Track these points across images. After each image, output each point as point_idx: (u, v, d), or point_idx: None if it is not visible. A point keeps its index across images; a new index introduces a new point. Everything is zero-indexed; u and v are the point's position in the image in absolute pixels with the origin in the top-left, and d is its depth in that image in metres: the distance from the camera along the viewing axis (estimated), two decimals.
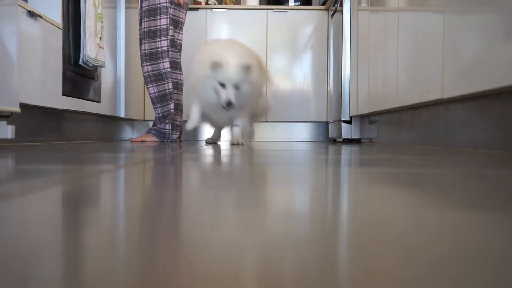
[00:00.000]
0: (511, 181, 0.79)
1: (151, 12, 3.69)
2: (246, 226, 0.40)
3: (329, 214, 0.46)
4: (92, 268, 0.28)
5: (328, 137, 5.08)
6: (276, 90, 5.01)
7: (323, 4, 5.16)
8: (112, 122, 4.29)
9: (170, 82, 3.75)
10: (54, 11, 2.87)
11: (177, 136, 3.89)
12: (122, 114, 4.18)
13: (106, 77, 3.80)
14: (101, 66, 3.40)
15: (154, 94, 3.73)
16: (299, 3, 5.13)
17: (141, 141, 3.64)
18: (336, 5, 4.38)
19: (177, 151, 1.93)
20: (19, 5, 2.29)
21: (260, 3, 5.29)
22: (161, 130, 3.81)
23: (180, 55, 3.84)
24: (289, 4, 5.11)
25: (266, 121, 5.10)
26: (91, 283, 0.25)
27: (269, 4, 5.19)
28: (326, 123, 5.11)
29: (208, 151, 1.96)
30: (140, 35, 3.78)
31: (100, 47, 3.34)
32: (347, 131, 4.07)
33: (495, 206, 0.51)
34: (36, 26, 2.54)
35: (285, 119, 5.07)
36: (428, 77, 2.30)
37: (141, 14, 3.76)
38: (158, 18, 3.68)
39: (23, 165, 1.03)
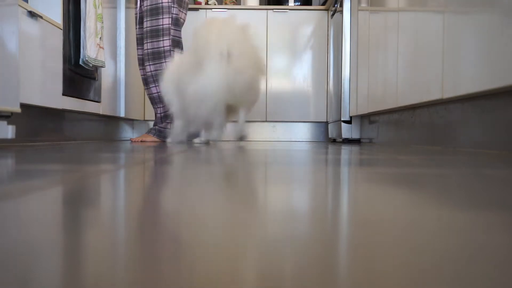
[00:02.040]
0: (510, 181, 0.79)
1: (154, 12, 3.68)
2: (246, 226, 0.40)
3: (329, 214, 0.46)
4: (92, 269, 0.28)
5: (328, 137, 5.08)
6: (276, 90, 5.02)
7: (323, 4, 5.16)
8: (112, 122, 4.29)
9: None
10: (54, 11, 2.87)
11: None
12: (122, 114, 4.19)
13: (106, 77, 3.80)
14: (101, 66, 3.40)
15: (156, 94, 3.73)
16: (299, 3, 5.13)
17: (141, 141, 3.64)
18: (336, 5, 4.38)
19: (176, 151, 1.93)
20: (19, 5, 2.29)
21: (260, 3, 5.29)
22: (162, 129, 3.81)
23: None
24: (289, 4, 5.11)
25: (266, 121, 5.11)
26: (91, 284, 0.25)
27: (269, 4, 5.19)
28: (326, 123, 5.11)
29: (208, 150, 1.96)
30: (138, 35, 3.77)
31: (100, 47, 3.34)
32: (347, 131, 4.07)
33: (495, 206, 0.51)
34: (36, 26, 2.54)
35: (285, 119, 5.07)
36: (428, 77, 2.30)
37: (141, 13, 3.75)
38: (161, 17, 3.68)
39: (23, 165, 1.03)
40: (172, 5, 3.70)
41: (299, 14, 5.03)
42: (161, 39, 3.70)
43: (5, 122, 1.95)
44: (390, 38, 2.99)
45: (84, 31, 3.13)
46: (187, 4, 3.92)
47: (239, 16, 5.01)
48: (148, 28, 3.71)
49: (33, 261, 0.29)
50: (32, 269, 0.27)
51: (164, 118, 3.78)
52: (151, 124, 5.04)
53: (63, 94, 2.95)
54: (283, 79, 5.05)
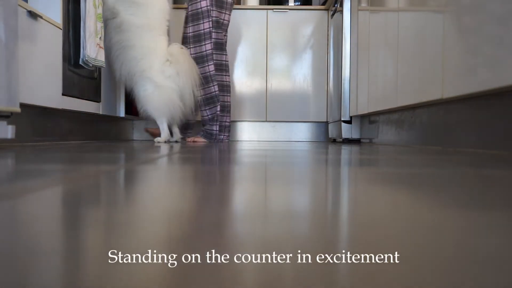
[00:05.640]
0: (510, 181, 0.79)
1: (195, 17, 3.86)
2: (246, 226, 0.40)
3: (329, 214, 0.46)
4: (92, 269, 0.28)
5: (328, 137, 5.08)
6: (276, 90, 5.03)
7: (323, 4, 5.16)
8: (112, 122, 4.29)
9: (216, 85, 3.94)
10: (54, 11, 2.87)
11: (225, 136, 4.05)
12: (122, 114, 4.19)
13: (106, 77, 3.80)
14: (101, 66, 3.40)
15: (201, 97, 3.91)
16: (299, 3, 5.13)
17: (193, 141, 3.86)
18: (336, 5, 4.38)
19: (175, 151, 1.93)
20: (19, 5, 2.29)
21: (260, 3, 5.29)
22: (209, 131, 4.00)
23: (225, 56, 3.98)
24: (289, 4, 5.11)
25: (266, 121, 5.11)
26: (91, 284, 0.25)
27: (269, 4, 5.19)
28: (326, 123, 5.11)
29: (211, 150, 1.96)
30: (183, 38, 3.99)
31: (100, 47, 3.34)
32: (347, 131, 4.07)
33: (495, 206, 0.51)
34: (36, 26, 2.54)
35: (285, 119, 5.07)
36: (428, 77, 2.30)
37: (186, 15, 3.97)
38: (201, 22, 3.86)
39: (23, 165, 1.03)
40: (211, 8, 3.84)
41: (299, 14, 5.03)
42: (203, 43, 3.88)
43: (5, 122, 1.95)
44: (390, 38, 2.99)
45: (84, 31, 3.13)
46: (231, 4, 3.99)
47: (239, 16, 5.01)
48: (190, 34, 3.90)
49: (33, 261, 0.29)
50: (32, 269, 0.27)
51: (210, 120, 3.99)
52: (151, 124, 5.05)
53: (63, 94, 2.95)
54: (283, 79, 5.05)
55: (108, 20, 3.63)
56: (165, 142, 3.61)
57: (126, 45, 3.59)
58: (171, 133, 3.86)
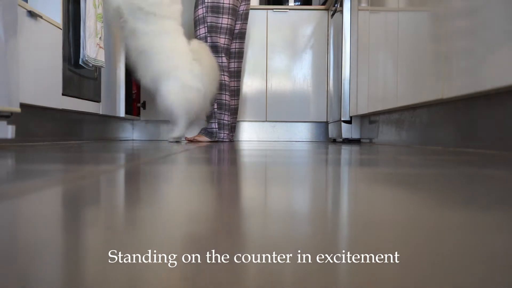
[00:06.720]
0: (510, 181, 0.79)
1: (195, 24, 4.12)
2: (246, 225, 0.40)
3: (329, 214, 0.46)
4: (92, 269, 0.28)
5: (328, 137, 5.07)
6: (276, 90, 5.04)
7: (323, 4, 5.16)
8: (112, 122, 4.29)
9: None
10: (54, 11, 2.87)
11: (226, 134, 4.16)
12: (122, 114, 4.19)
13: (106, 77, 3.80)
14: (101, 66, 3.40)
15: None
16: (299, 3, 5.13)
17: (194, 141, 3.97)
18: (336, 5, 4.38)
19: (176, 151, 1.93)
20: (19, 5, 2.29)
21: (260, 3, 5.29)
22: (208, 129, 4.14)
23: (221, 58, 4.12)
24: (289, 4, 5.11)
25: (266, 121, 5.10)
26: (91, 284, 0.25)
27: (269, 4, 5.18)
28: (326, 123, 5.11)
29: (211, 150, 1.96)
30: None
31: (100, 47, 3.34)
32: (347, 131, 4.07)
33: (495, 206, 0.51)
34: (36, 26, 2.54)
35: (285, 119, 5.07)
36: (428, 77, 2.30)
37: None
38: (198, 28, 4.11)
39: (23, 165, 1.03)
40: (207, 15, 4.03)
41: (299, 14, 5.03)
42: None
43: (5, 122, 1.95)
44: (390, 38, 2.99)
45: (84, 31, 3.13)
46: (228, 8, 4.10)
47: None
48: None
49: (33, 261, 0.29)
50: (32, 269, 0.27)
51: (207, 118, 4.15)
52: (151, 124, 5.05)
53: (63, 94, 2.95)
54: (283, 79, 5.05)
55: (113, 20, 3.64)
56: (176, 141, 3.67)
57: (145, 49, 3.59)
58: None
